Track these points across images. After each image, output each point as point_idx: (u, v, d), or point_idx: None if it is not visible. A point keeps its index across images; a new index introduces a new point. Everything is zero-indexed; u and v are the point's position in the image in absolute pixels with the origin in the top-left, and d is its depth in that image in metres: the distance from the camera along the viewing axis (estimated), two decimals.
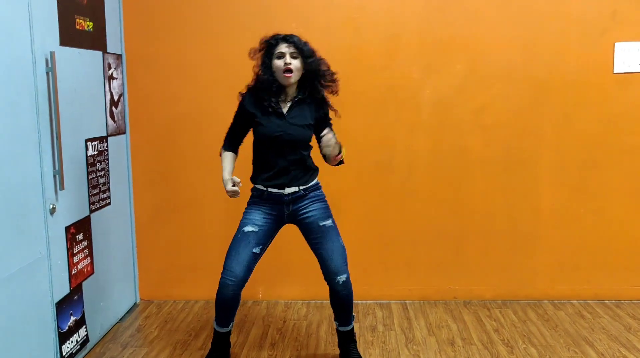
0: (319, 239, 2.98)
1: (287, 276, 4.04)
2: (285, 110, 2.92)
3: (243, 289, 4.03)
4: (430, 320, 3.70)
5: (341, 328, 3.11)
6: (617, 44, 3.71)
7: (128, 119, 3.91)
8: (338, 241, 2.99)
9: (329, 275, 2.95)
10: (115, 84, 3.72)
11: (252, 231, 2.95)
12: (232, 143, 3.09)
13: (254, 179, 3.01)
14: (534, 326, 3.57)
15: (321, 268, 2.98)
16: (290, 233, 3.97)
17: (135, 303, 4.04)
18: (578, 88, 3.77)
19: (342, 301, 3.01)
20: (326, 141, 2.82)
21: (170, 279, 4.07)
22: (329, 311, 3.81)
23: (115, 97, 3.73)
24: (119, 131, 3.79)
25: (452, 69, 3.78)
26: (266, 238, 3.00)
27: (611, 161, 3.82)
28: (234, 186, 2.88)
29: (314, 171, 3.03)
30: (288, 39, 2.88)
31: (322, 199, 3.03)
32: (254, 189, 3.03)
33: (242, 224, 2.98)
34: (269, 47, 2.92)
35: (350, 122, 3.54)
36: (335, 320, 3.11)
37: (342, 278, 2.95)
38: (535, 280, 3.96)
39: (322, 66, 2.92)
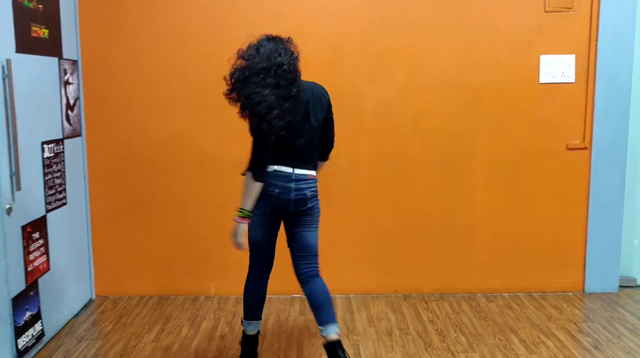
0: None
1: (239, 272, 4.19)
2: None
3: (196, 285, 4.24)
4: (372, 312, 3.95)
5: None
6: (542, 57, 4.01)
7: (84, 122, 4.04)
8: None
9: None
10: (71, 88, 3.86)
11: None
12: None
13: None
14: (466, 317, 3.86)
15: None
16: None
17: (90, 299, 4.18)
18: (507, 96, 4.05)
19: None
20: None
21: (125, 276, 4.21)
22: (277, 306, 4.04)
23: (71, 102, 3.87)
24: (75, 134, 3.93)
25: (393, 78, 4.01)
26: None
27: (537, 164, 4.11)
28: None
29: None
30: None
31: None
32: None
33: None
34: None
35: None
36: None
37: None
38: (470, 275, 4.23)
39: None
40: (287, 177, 2.88)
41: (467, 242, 4.20)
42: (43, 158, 3.45)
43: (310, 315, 3.82)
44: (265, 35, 2.80)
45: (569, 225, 4.19)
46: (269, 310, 3.98)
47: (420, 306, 4.05)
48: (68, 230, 3.82)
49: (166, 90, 4.03)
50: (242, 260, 4.17)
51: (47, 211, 3.50)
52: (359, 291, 4.24)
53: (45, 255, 3.47)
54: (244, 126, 4.02)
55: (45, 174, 3.47)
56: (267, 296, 3.24)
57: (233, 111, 4.05)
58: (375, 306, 4.04)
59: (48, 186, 3.51)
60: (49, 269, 3.52)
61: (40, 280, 3.40)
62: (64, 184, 3.74)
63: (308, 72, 3.92)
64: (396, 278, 4.23)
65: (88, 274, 4.16)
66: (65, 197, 3.75)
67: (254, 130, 2.82)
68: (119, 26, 3.98)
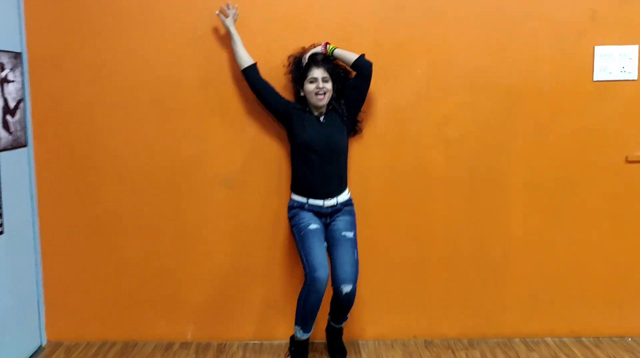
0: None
1: (220, 314, 3.58)
2: (322, 119, 3.22)
3: (170, 329, 3.58)
4: None
5: (333, 324, 3.32)
6: (597, 48, 3.45)
7: (30, 129, 3.44)
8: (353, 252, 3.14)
9: (336, 281, 3.03)
10: (11, 87, 3.20)
11: (317, 228, 3.13)
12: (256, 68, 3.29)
13: (294, 188, 3.25)
14: None
15: (331, 273, 3.07)
16: (226, 269, 3.51)
17: (40, 347, 3.51)
18: (553, 97, 3.50)
19: (341, 306, 3.12)
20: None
21: (83, 317, 3.61)
22: (268, 356, 3.33)
23: (12, 104, 3.20)
24: (17, 144, 3.26)
25: (412, 75, 3.46)
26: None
27: (589, 180, 3.55)
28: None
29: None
30: (320, 63, 3.15)
31: (350, 212, 3.25)
32: (292, 202, 3.25)
33: (305, 225, 3.12)
34: (299, 69, 3.20)
35: None
36: (329, 315, 3.30)
37: (347, 288, 3.01)
38: (506, 316, 3.63)
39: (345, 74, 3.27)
40: None
41: (502, 275, 3.61)
42: None
43: None
44: None
45: (627, 254, 3.60)
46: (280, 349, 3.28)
47: (445, 356, 3.36)
48: (7, 265, 3.16)
49: (134, 90, 3.47)
50: (223, 299, 3.59)
51: None
52: (370, 337, 3.61)
53: None
54: (226, 135, 3.48)
55: None
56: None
57: (213, 116, 3.47)
58: (390, 357, 3.33)
59: None
60: None
61: None
62: (0, 208, 3.01)
63: None
64: (415, 320, 3.62)
65: (37, 317, 3.49)
66: (1, 224, 3.05)
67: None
68: (76, 10, 3.41)
